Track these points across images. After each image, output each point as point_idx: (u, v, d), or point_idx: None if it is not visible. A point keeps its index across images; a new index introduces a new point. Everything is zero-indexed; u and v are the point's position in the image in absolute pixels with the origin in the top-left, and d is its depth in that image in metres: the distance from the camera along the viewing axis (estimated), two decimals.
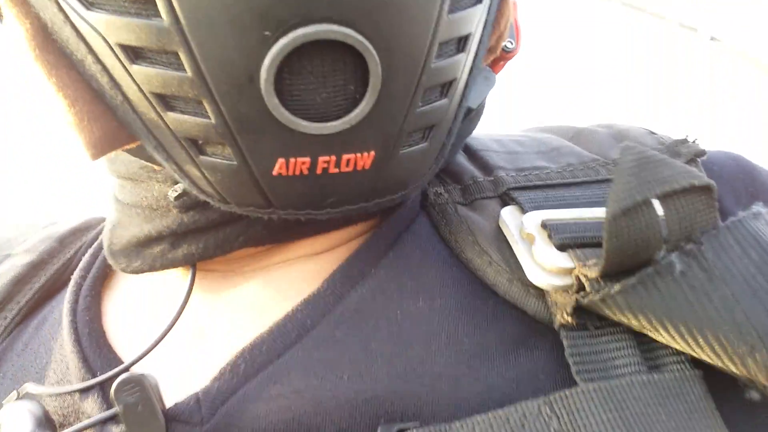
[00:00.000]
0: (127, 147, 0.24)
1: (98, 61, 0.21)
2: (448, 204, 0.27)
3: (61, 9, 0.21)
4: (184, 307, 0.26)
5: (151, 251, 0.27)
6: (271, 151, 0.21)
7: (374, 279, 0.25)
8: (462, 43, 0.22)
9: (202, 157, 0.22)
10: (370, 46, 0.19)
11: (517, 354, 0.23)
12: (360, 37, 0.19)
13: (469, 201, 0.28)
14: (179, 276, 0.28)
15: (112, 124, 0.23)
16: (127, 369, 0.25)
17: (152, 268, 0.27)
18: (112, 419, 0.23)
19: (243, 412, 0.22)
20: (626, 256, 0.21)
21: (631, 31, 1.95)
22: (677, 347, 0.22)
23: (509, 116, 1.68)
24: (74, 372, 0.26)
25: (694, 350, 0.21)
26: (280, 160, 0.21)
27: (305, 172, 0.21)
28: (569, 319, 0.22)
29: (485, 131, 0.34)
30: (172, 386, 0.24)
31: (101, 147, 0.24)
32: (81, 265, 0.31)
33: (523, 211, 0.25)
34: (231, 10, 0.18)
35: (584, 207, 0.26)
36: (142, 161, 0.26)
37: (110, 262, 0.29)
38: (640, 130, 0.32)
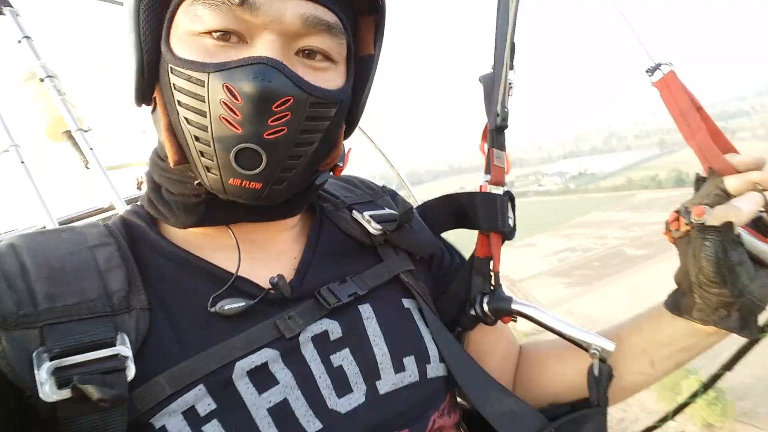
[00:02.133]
0: None
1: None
2: (333, 209, 0.73)
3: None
4: (240, 253, 0.61)
5: (196, 211, 0.59)
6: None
7: (322, 232, 0.70)
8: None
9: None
10: None
11: (368, 263, 0.69)
12: None
13: (338, 209, 0.73)
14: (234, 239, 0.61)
15: None
16: (234, 277, 0.59)
17: (200, 224, 0.60)
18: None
19: (310, 282, 0.62)
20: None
21: None
22: None
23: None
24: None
25: None
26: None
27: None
28: (381, 240, 0.72)
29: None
30: (260, 279, 0.60)
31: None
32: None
33: (359, 212, 0.72)
34: None
35: (376, 210, 0.73)
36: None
37: (173, 224, 0.60)
38: None
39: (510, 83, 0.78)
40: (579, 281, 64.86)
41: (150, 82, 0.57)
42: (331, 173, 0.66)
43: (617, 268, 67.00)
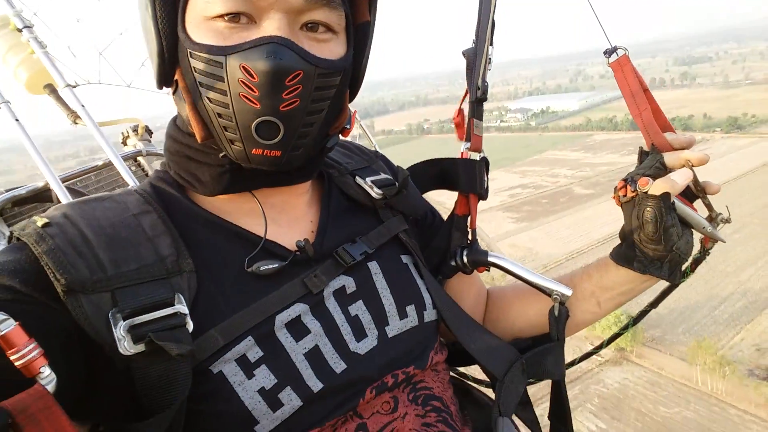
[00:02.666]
0: None
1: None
2: (338, 175, 0.81)
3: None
4: (265, 218, 0.69)
5: (222, 180, 0.65)
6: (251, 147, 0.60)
7: (331, 197, 0.78)
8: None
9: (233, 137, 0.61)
10: None
11: (370, 224, 0.79)
12: None
13: (342, 174, 0.81)
14: (257, 204, 0.69)
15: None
16: (264, 241, 0.67)
17: (226, 191, 0.66)
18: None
19: (328, 243, 0.71)
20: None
21: None
22: None
23: None
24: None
25: None
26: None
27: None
28: (381, 204, 0.81)
29: None
30: (285, 241, 0.69)
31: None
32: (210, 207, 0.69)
33: (361, 178, 0.81)
34: None
35: (375, 175, 0.82)
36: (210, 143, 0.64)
37: (202, 192, 0.67)
38: None
39: (489, 59, 0.87)
40: (526, 217, 67.57)
41: (171, 67, 0.61)
42: (340, 135, 0.72)
43: (563, 206, 69.93)
